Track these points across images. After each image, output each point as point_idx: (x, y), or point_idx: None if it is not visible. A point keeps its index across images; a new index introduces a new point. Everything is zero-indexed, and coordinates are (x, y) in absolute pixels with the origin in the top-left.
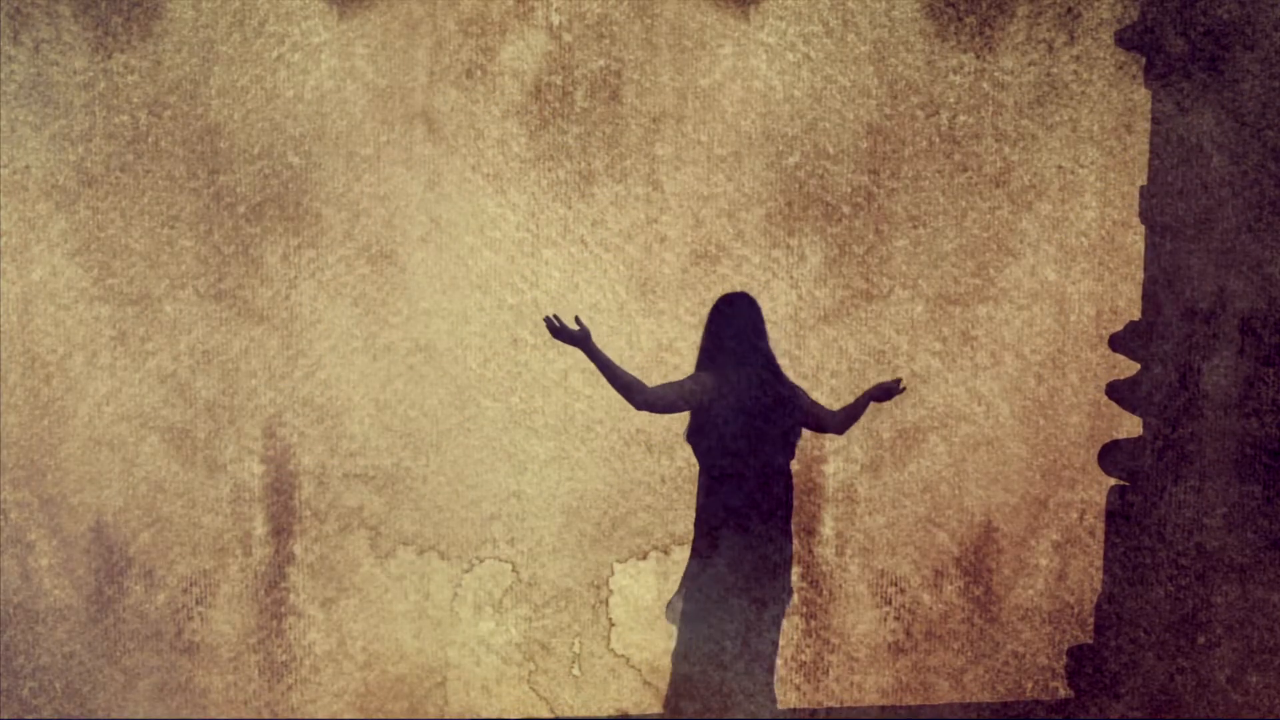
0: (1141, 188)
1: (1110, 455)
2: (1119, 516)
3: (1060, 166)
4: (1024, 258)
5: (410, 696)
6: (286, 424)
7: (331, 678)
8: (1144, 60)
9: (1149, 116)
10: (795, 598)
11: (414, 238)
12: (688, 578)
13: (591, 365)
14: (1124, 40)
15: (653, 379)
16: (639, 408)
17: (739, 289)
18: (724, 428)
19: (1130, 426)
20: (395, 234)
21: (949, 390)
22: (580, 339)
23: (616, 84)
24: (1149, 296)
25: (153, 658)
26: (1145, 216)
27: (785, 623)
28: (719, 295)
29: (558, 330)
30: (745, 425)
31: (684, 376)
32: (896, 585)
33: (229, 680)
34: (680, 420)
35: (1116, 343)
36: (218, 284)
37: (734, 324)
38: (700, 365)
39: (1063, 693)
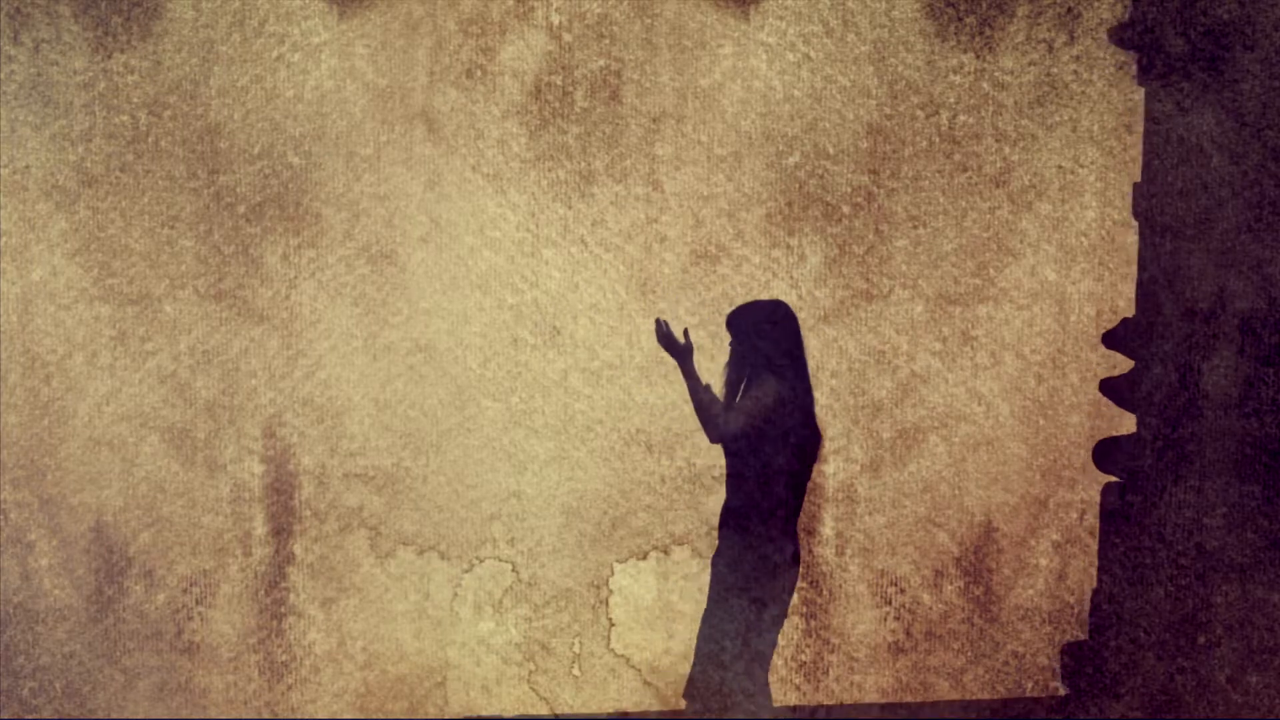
0: (1135, 185)
1: (1106, 453)
2: (1119, 516)
3: (1060, 166)
4: (1024, 258)
5: (410, 696)
6: (286, 424)
7: (331, 678)
8: (1136, 60)
9: (1144, 114)
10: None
11: (414, 238)
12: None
13: (594, 366)
14: (1123, 40)
15: (653, 378)
16: (713, 441)
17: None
18: (725, 428)
19: (1128, 424)
20: (395, 234)
21: (949, 390)
22: (682, 353)
23: (616, 84)
24: (1146, 294)
25: (153, 658)
26: (1139, 213)
27: (787, 623)
28: (747, 300)
29: (664, 335)
30: (745, 425)
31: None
32: (896, 585)
33: (229, 680)
34: (683, 421)
35: (1111, 339)
36: (218, 284)
37: (754, 329)
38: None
39: (1062, 692)
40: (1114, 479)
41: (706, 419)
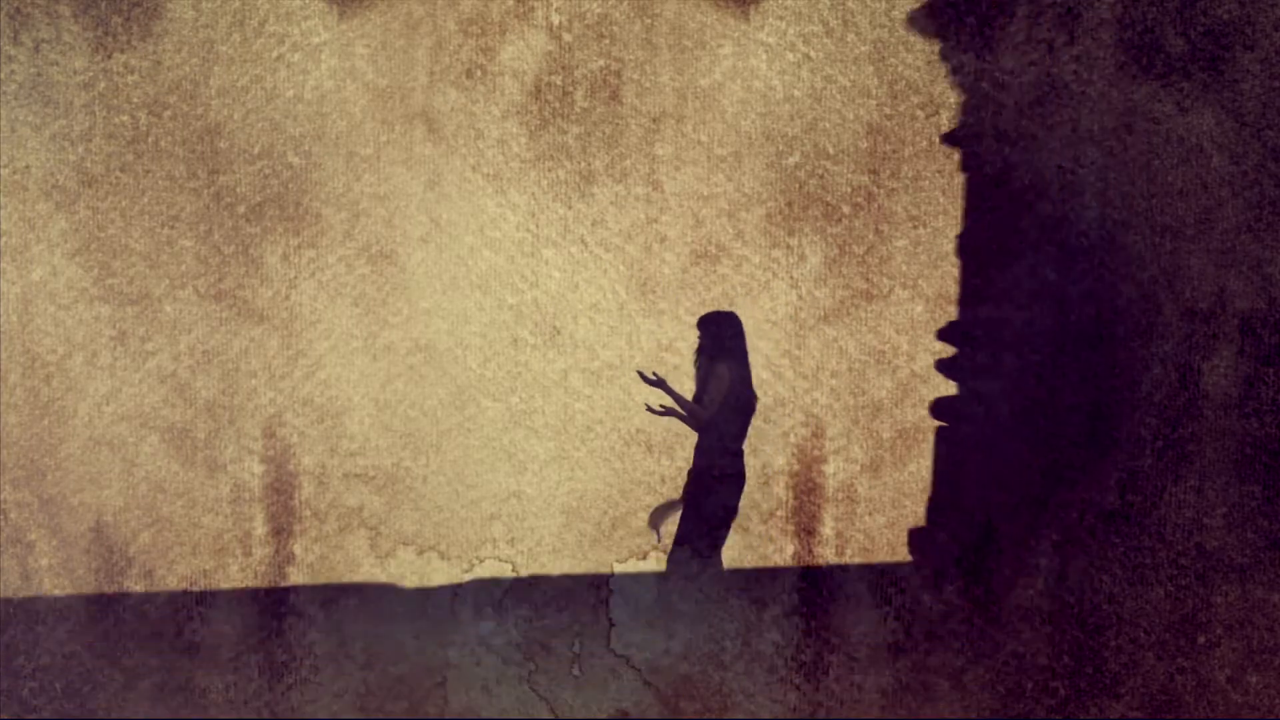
0: (959, 234)
1: (941, 407)
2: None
3: (1060, 166)
4: (1024, 258)
5: (410, 696)
6: (286, 424)
7: (331, 678)
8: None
9: (963, 167)
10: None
11: (414, 238)
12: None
13: (594, 366)
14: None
15: None
16: (698, 430)
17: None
18: (724, 427)
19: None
20: (395, 234)
21: (949, 390)
22: (660, 384)
23: (616, 84)
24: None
25: (153, 658)
26: (961, 253)
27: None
28: (710, 309)
29: (645, 379)
30: (744, 425)
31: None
32: (896, 585)
33: (229, 680)
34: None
35: (943, 334)
36: (218, 284)
37: (718, 329)
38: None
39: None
40: (942, 423)
41: (691, 416)
